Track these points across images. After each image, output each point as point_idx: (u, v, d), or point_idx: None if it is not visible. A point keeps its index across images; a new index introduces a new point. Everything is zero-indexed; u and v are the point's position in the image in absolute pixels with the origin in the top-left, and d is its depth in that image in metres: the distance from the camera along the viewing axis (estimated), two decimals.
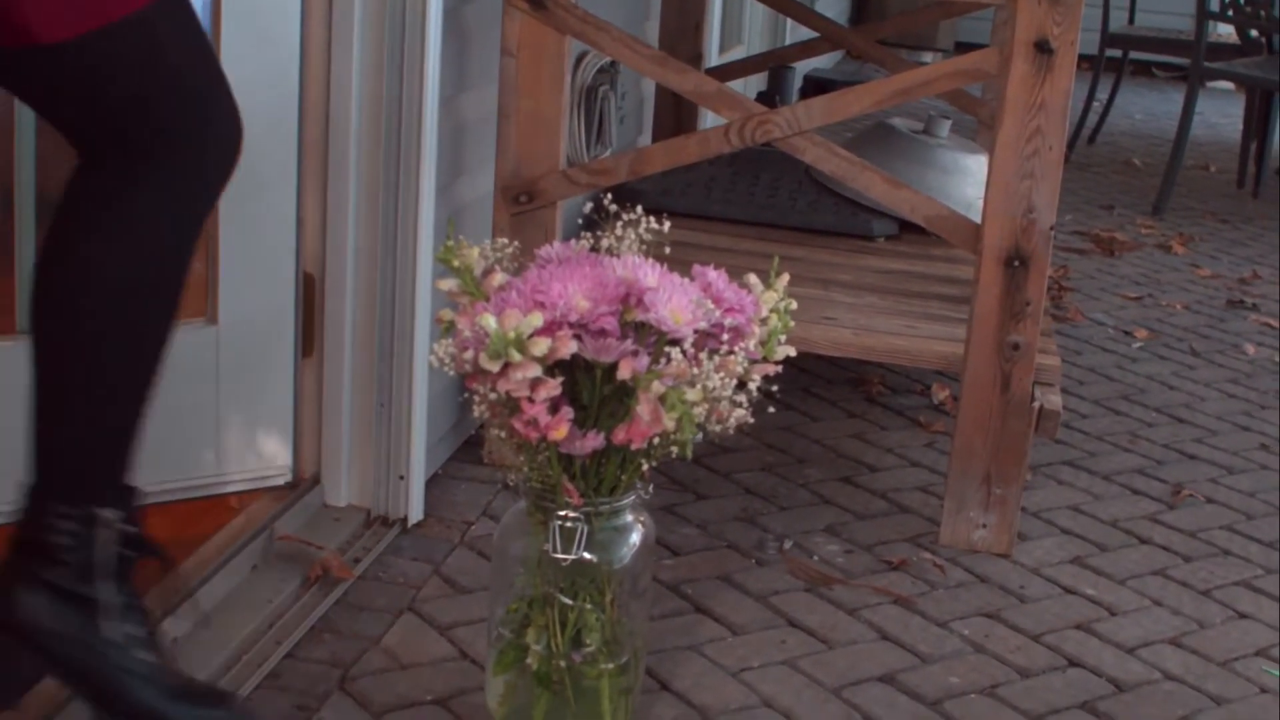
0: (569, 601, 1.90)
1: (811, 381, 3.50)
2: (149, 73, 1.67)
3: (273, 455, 2.55)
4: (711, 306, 1.83)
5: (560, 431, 1.79)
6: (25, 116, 2.24)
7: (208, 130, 1.72)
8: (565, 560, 1.88)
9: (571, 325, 1.78)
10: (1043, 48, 2.48)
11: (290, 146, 2.44)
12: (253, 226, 2.44)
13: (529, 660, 1.93)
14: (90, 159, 1.70)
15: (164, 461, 2.32)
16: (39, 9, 1.56)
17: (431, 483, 2.70)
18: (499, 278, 1.85)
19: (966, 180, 3.43)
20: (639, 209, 1.94)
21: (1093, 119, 6.87)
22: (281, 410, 2.53)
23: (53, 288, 1.71)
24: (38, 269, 1.72)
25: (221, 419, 2.48)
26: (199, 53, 1.72)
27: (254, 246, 2.45)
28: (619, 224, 1.92)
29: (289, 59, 2.41)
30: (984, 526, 2.68)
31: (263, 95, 2.36)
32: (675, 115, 4.17)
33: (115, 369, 1.73)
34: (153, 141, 1.68)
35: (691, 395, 1.79)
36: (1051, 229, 2.55)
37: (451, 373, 1.84)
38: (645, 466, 1.87)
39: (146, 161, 1.68)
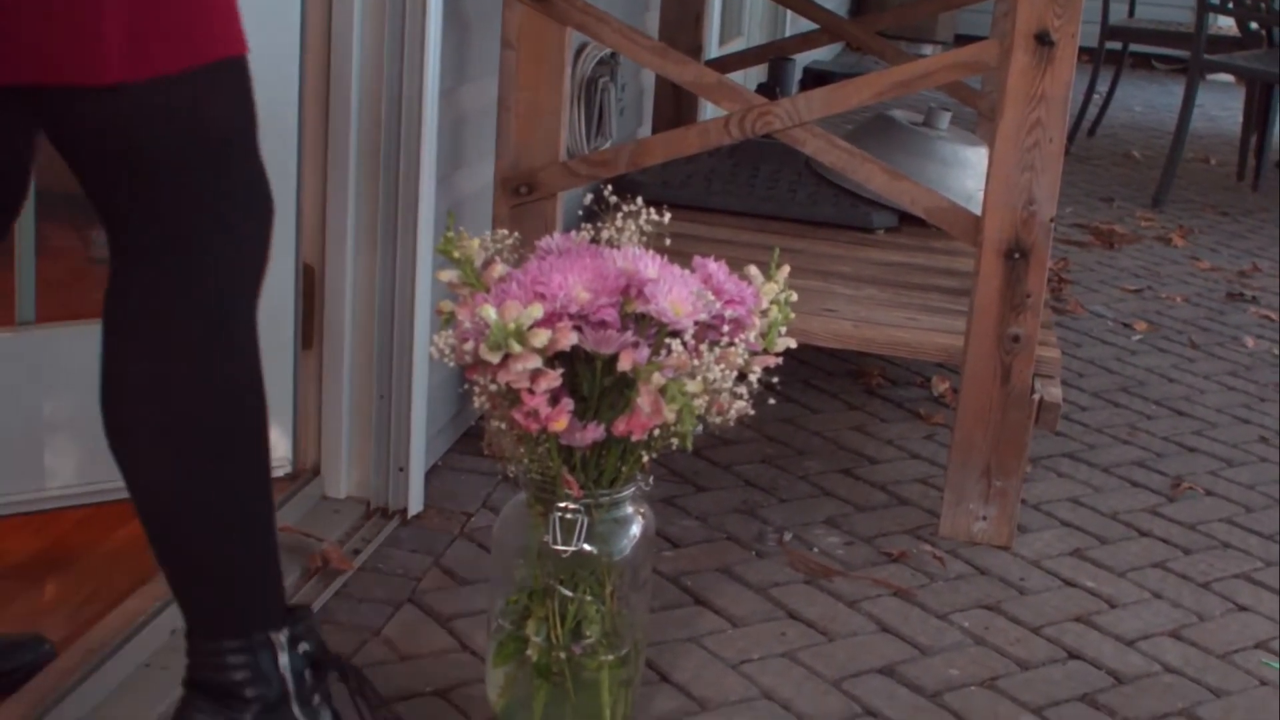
0: (569, 593, 1.90)
1: (812, 374, 3.50)
2: (209, 133, 1.57)
3: (272, 446, 2.52)
4: (712, 298, 1.83)
5: (560, 423, 1.79)
6: None
7: (248, 212, 1.63)
8: (565, 552, 1.88)
9: (572, 317, 1.78)
10: (1043, 40, 2.48)
11: (290, 137, 2.44)
12: None
13: (529, 652, 1.93)
14: (123, 252, 1.59)
15: None
16: (117, 46, 1.45)
17: (431, 474, 2.70)
18: (499, 269, 1.85)
19: (966, 172, 3.43)
20: (639, 200, 1.94)
21: (1093, 111, 6.87)
22: (281, 402, 2.53)
23: (132, 429, 1.62)
24: (108, 402, 1.62)
25: None
26: (253, 123, 1.63)
27: None
28: (619, 215, 1.92)
29: (289, 49, 2.41)
30: (984, 519, 2.68)
31: (261, 85, 2.34)
32: (675, 107, 4.16)
33: (220, 497, 1.65)
34: (192, 218, 1.58)
35: (692, 387, 1.78)
36: (1052, 221, 2.54)
37: (452, 364, 1.83)
38: (645, 458, 1.87)
39: (185, 250, 1.58)
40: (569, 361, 1.81)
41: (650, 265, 1.81)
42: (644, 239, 1.90)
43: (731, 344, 1.83)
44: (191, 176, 1.56)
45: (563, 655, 1.91)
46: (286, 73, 2.41)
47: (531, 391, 1.77)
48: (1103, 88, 6.85)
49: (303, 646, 1.72)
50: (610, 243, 1.90)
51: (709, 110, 4.01)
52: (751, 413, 1.85)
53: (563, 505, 1.88)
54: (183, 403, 1.60)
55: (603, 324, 1.79)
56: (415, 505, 2.59)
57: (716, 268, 1.88)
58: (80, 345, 2.02)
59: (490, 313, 1.75)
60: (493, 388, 1.80)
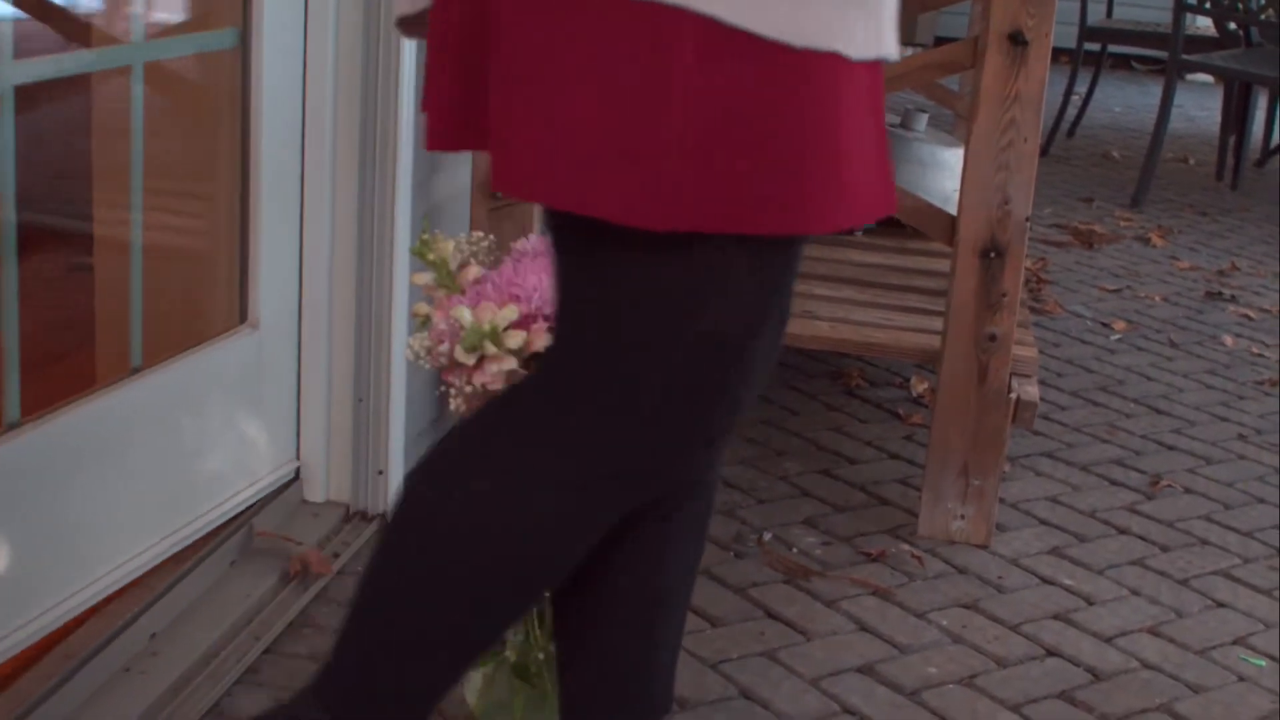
0: (546, 594, 1.90)
1: (790, 375, 3.51)
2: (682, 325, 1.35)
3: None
4: None
5: None
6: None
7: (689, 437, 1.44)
8: None
9: (546, 318, 1.78)
10: (1017, 40, 2.48)
11: (294, 137, 2.43)
12: None
13: (507, 653, 1.93)
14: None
15: None
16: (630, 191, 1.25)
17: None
18: (474, 271, 1.86)
19: (943, 173, 3.44)
20: None
21: (1071, 112, 6.88)
22: None
23: (427, 514, 1.51)
24: (419, 478, 1.54)
25: None
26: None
27: None
28: None
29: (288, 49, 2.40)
30: (962, 518, 2.69)
31: None
32: None
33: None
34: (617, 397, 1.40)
35: None
36: (1027, 220, 2.55)
37: (427, 366, 1.84)
38: None
39: (587, 410, 1.42)
40: None
41: None
42: None
43: None
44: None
45: (540, 656, 1.92)
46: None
47: None
48: (1081, 88, 6.87)
49: None
50: None
51: None
52: None
53: None
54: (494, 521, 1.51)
55: None
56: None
57: None
58: None
59: (465, 315, 1.75)
60: (469, 390, 1.80)
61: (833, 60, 1.24)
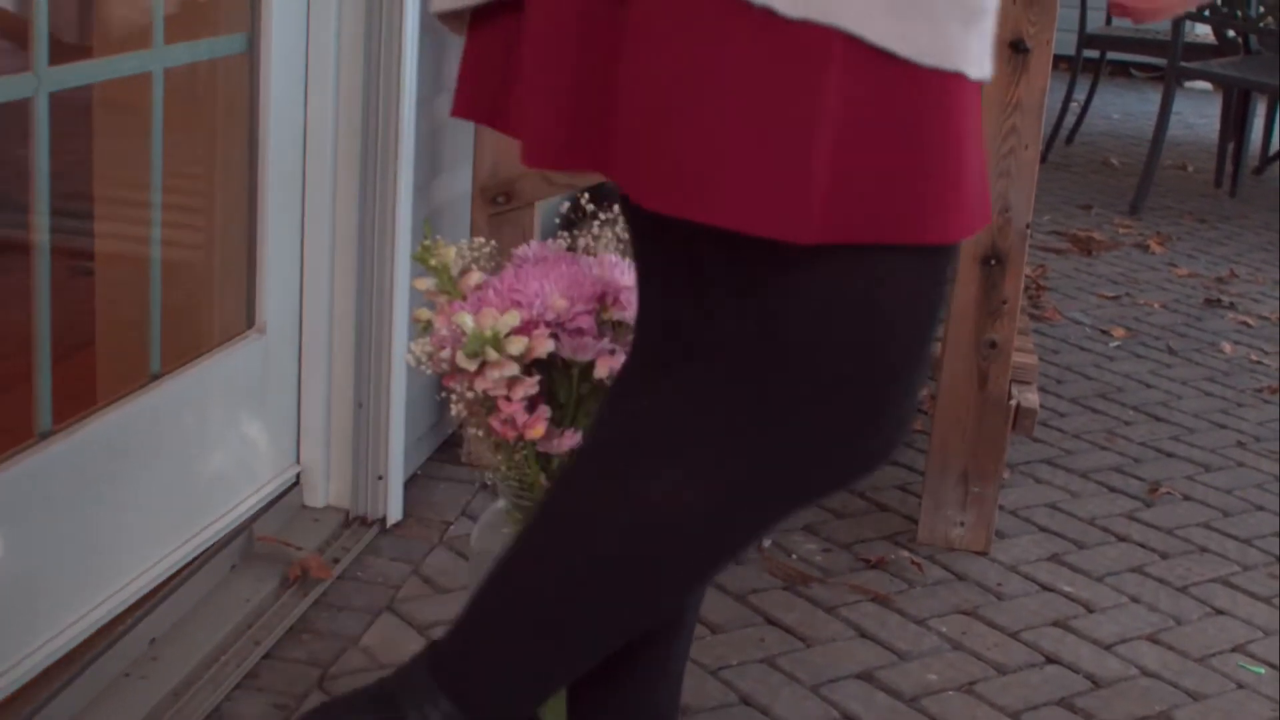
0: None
1: None
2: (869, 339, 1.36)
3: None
4: None
5: (537, 430, 1.79)
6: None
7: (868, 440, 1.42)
8: None
9: (548, 324, 1.78)
10: (1018, 47, 2.49)
11: (297, 141, 2.44)
12: None
13: None
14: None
15: None
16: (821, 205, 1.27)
17: (410, 483, 2.70)
18: (476, 277, 1.86)
19: None
20: (615, 208, 1.94)
21: (1070, 119, 6.89)
22: None
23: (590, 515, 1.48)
24: (568, 486, 1.51)
25: None
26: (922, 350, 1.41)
27: None
28: (596, 223, 1.92)
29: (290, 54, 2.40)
30: (961, 524, 2.69)
31: None
32: None
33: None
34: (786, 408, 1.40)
35: None
36: (1027, 227, 2.56)
37: (428, 372, 1.84)
38: None
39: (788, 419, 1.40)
40: (546, 369, 1.81)
41: (626, 272, 1.82)
42: (620, 246, 1.90)
43: None
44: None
45: None
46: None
47: (508, 399, 1.78)
48: (1081, 95, 6.88)
49: None
50: (587, 250, 1.91)
51: None
52: None
53: None
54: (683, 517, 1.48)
55: (579, 331, 1.79)
56: (394, 514, 2.59)
57: None
58: None
59: (467, 320, 1.76)
60: (470, 395, 1.80)
61: (959, 80, 1.30)
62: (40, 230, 1.94)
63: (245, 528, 2.39)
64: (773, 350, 1.39)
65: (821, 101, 1.26)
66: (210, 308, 2.46)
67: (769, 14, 1.24)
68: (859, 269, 1.34)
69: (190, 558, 2.26)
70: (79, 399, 2.09)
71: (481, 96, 1.47)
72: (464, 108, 1.50)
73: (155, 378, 2.21)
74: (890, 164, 1.29)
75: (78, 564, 2.04)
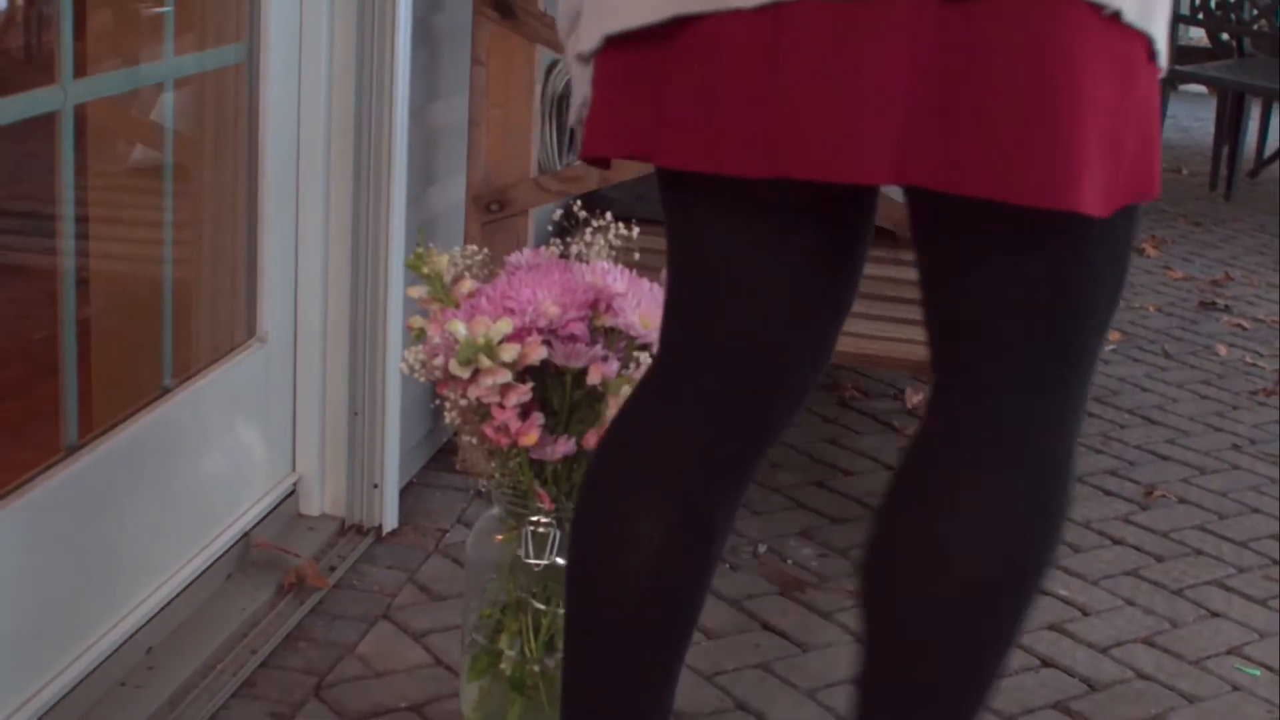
0: (542, 606, 1.91)
1: None
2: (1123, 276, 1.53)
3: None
4: None
5: (531, 437, 1.80)
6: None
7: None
8: (538, 566, 1.89)
9: (541, 331, 1.79)
10: None
11: (291, 151, 2.44)
12: None
13: (503, 666, 1.93)
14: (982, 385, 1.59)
15: None
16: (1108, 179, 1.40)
17: (405, 491, 2.71)
18: (468, 284, 1.86)
19: None
20: (608, 216, 1.95)
21: None
22: None
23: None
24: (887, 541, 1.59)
25: None
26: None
27: None
28: (588, 230, 1.93)
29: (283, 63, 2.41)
30: None
31: None
32: None
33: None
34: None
35: None
36: None
37: (422, 379, 1.84)
38: None
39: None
40: (539, 376, 1.82)
41: (619, 279, 1.82)
42: (613, 254, 1.91)
43: None
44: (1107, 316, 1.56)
45: (536, 668, 1.92)
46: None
47: (502, 406, 1.78)
48: None
49: None
50: (579, 257, 1.91)
51: None
52: None
53: (535, 519, 1.88)
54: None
55: (572, 338, 1.80)
56: (390, 522, 2.59)
57: None
58: None
59: (459, 328, 1.76)
60: (463, 403, 1.81)
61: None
62: (66, 242, 1.95)
63: (244, 537, 2.39)
64: (1065, 313, 1.51)
65: (1132, 96, 1.41)
66: (215, 318, 2.46)
67: (1115, 21, 1.36)
68: (1126, 224, 1.49)
69: (201, 570, 2.27)
70: (96, 415, 2.10)
71: (632, 129, 1.41)
72: (611, 144, 1.44)
73: (166, 392, 2.21)
74: (1149, 138, 1.45)
75: (108, 575, 2.05)
